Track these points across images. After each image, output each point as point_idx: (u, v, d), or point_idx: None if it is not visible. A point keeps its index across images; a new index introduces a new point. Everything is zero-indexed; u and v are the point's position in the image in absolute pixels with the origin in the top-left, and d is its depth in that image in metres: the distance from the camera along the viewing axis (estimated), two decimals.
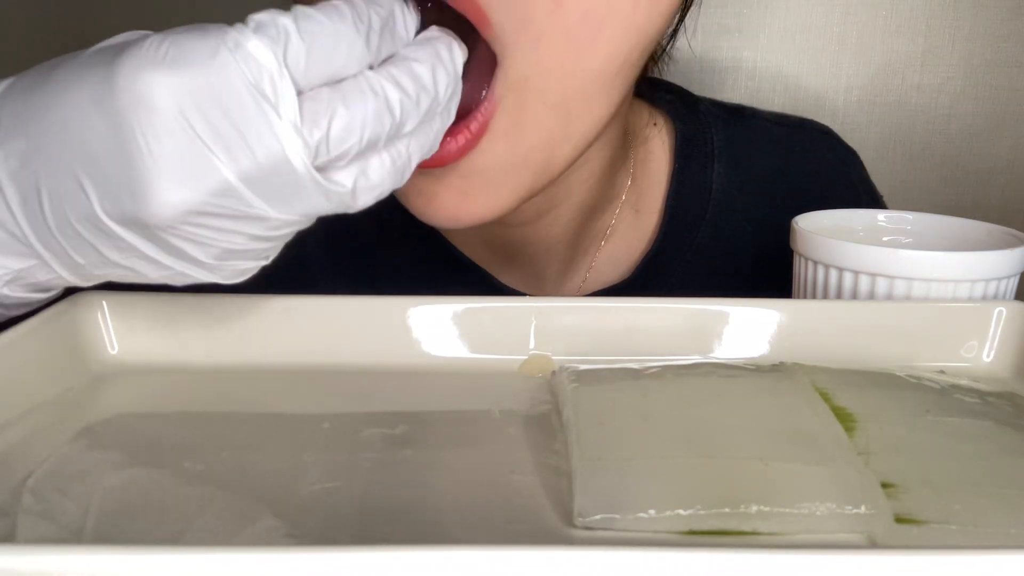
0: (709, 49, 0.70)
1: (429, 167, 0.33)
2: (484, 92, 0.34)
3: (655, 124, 0.52)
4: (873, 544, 0.23)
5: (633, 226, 0.51)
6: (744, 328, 0.35)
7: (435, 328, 0.34)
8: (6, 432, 0.28)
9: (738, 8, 0.69)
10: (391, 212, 0.50)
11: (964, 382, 0.31)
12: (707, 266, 0.51)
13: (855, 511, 0.23)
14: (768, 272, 0.49)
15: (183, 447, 0.28)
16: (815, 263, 0.39)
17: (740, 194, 0.52)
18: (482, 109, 0.34)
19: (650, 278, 0.50)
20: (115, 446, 0.28)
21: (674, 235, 0.50)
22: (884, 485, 0.24)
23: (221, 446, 0.28)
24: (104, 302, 0.34)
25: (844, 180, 0.55)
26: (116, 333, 0.34)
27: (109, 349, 0.34)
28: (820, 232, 0.40)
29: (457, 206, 0.36)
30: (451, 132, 0.33)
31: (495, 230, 0.47)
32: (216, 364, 0.34)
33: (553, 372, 0.33)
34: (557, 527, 0.23)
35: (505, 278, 0.50)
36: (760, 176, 0.52)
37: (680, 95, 0.54)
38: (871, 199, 0.56)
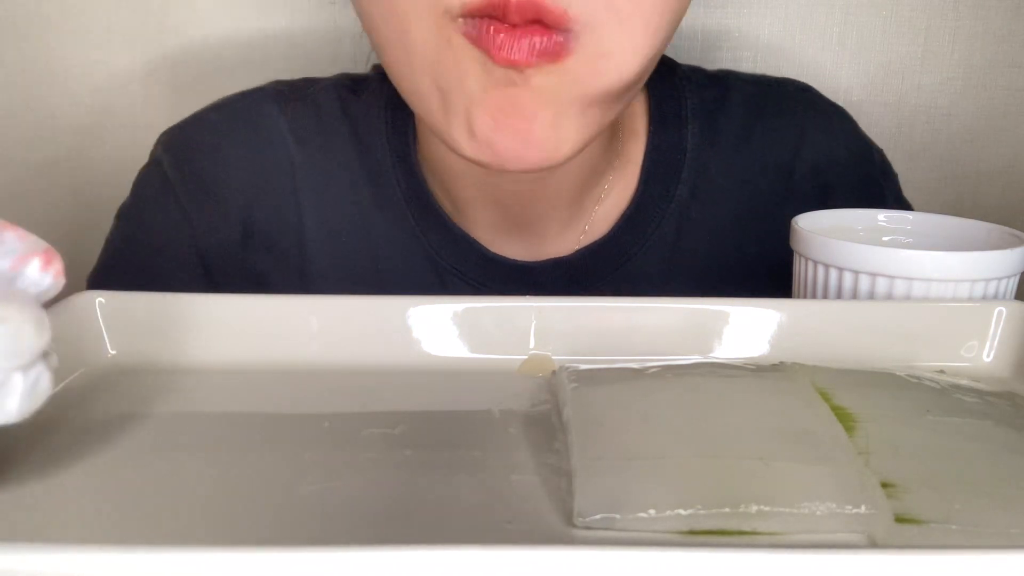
0: (709, 48, 0.70)
1: (509, 63, 0.35)
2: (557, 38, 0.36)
3: None
4: (873, 544, 0.23)
5: (619, 186, 0.53)
6: (744, 328, 0.35)
7: (435, 328, 0.34)
8: (4, 432, 0.28)
9: (738, 8, 0.69)
10: (390, 180, 0.51)
11: (964, 382, 0.31)
12: (685, 223, 0.52)
13: (855, 511, 0.23)
14: (748, 229, 0.52)
15: (183, 447, 0.28)
16: (815, 263, 0.39)
17: (712, 150, 0.53)
18: (560, 40, 0.36)
19: (629, 234, 0.52)
20: (114, 446, 0.28)
21: (651, 193, 0.52)
22: (884, 485, 0.24)
23: (221, 446, 0.28)
24: (103, 302, 0.34)
25: (821, 132, 0.54)
26: (114, 333, 0.34)
27: (108, 349, 0.34)
28: (820, 232, 0.40)
29: (525, 143, 0.37)
30: (529, 32, 0.35)
31: (506, 188, 0.48)
32: (215, 364, 0.34)
33: (553, 372, 0.33)
34: (557, 527, 0.23)
35: (498, 245, 0.51)
36: (732, 133, 0.53)
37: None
38: (860, 151, 0.56)
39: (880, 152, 0.57)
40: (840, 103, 0.57)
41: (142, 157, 0.54)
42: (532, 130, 0.37)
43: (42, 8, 0.66)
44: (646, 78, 0.41)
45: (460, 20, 0.36)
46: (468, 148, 0.39)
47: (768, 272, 0.50)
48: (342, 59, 0.68)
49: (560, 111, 0.38)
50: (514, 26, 0.35)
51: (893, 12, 0.69)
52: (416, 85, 0.40)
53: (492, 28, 0.36)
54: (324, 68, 0.68)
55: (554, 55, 0.36)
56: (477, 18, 0.36)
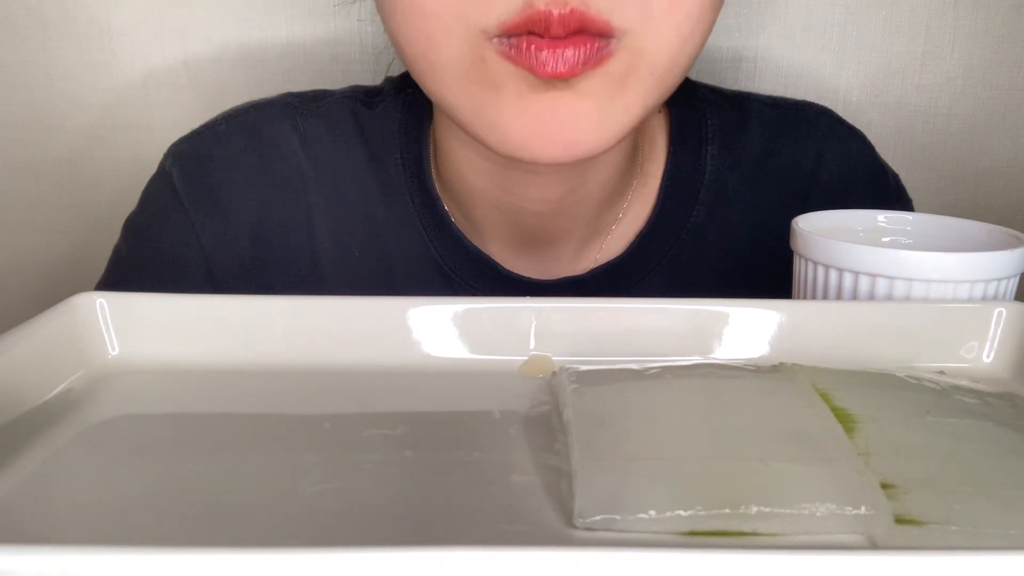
0: (709, 48, 0.70)
1: (554, 76, 0.36)
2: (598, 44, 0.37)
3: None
4: (873, 545, 0.23)
5: (637, 206, 0.52)
6: (744, 329, 0.35)
7: (435, 328, 0.34)
8: (6, 432, 0.28)
9: (738, 8, 0.69)
10: (403, 196, 0.51)
11: (964, 383, 0.31)
12: (700, 245, 0.52)
13: (855, 512, 0.23)
14: (762, 251, 0.51)
15: (183, 447, 0.28)
16: (815, 263, 0.39)
17: (732, 174, 0.53)
18: (602, 45, 0.37)
19: (643, 255, 0.52)
20: (115, 446, 0.28)
21: (668, 214, 0.52)
22: (884, 486, 0.24)
23: (221, 446, 0.28)
24: (104, 302, 0.34)
25: (838, 155, 0.55)
26: (116, 333, 0.34)
27: (109, 349, 0.34)
28: (820, 233, 0.40)
29: (574, 128, 0.38)
30: (573, 43, 0.36)
31: (526, 207, 0.48)
32: (216, 364, 0.34)
33: (553, 373, 0.33)
34: (557, 528, 0.23)
35: (512, 264, 0.51)
36: (751, 157, 0.53)
37: None
38: (876, 175, 0.56)
39: (895, 176, 0.57)
40: (840, 103, 0.57)
41: (142, 158, 0.54)
42: (574, 130, 0.38)
43: (42, 8, 0.66)
44: (681, 78, 0.42)
45: (496, 40, 0.36)
46: (503, 148, 0.39)
47: (782, 296, 0.50)
48: (342, 59, 0.68)
49: (602, 106, 0.38)
50: (555, 39, 0.35)
51: (893, 12, 0.69)
52: (447, 94, 0.40)
53: (533, 46, 0.36)
54: (324, 68, 0.68)
55: (598, 61, 0.37)
56: (515, 36, 0.36)
